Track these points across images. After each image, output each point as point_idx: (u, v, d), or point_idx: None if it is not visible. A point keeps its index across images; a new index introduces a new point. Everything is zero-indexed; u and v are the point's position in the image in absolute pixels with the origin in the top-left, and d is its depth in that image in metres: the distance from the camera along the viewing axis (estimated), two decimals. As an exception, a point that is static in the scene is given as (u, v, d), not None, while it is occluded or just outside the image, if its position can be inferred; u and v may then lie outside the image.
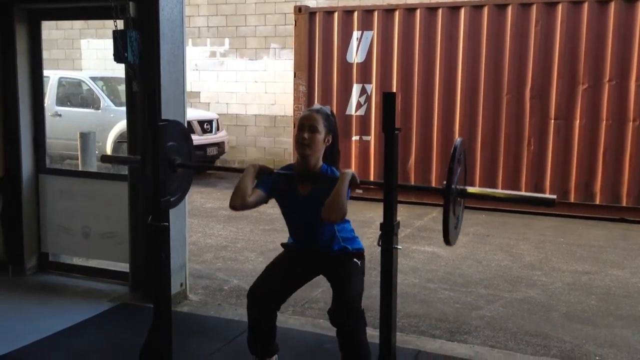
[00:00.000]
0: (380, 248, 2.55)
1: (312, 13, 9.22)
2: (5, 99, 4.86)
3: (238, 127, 12.92)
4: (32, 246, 4.99)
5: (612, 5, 7.77)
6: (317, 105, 3.13)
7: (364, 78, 9.04)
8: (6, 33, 4.77)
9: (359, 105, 9.09)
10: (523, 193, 2.63)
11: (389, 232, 2.51)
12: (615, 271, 5.83)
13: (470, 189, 2.64)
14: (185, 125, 4.54)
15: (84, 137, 6.72)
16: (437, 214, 7.92)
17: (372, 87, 9.01)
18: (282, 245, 3.27)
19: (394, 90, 8.69)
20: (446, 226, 2.43)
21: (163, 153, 2.99)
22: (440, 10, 8.58)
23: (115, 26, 4.20)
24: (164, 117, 3.11)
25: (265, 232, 6.78)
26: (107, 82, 11.42)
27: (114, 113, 10.47)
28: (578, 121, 8.10)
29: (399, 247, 2.57)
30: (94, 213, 4.76)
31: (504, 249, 6.52)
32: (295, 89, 9.40)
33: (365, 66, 9.02)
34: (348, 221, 3.05)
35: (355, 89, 9.09)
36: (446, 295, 5.04)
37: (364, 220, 7.59)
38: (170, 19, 4.25)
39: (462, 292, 5.10)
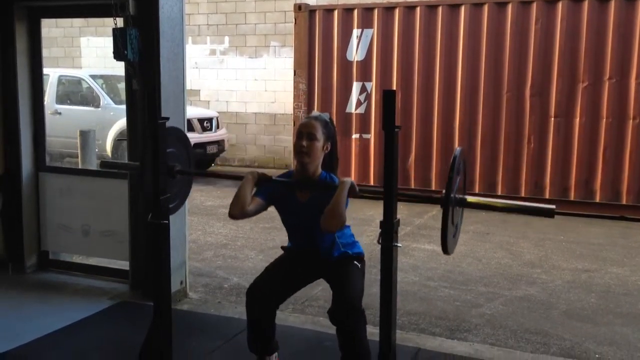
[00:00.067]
0: (380, 246, 2.55)
1: (312, 11, 9.21)
2: (5, 97, 4.85)
3: (238, 125, 12.91)
4: (32, 244, 5.00)
5: (612, 3, 7.76)
6: (315, 112, 3.12)
7: (364, 76, 9.04)
8: (6, 31, 4.76)
9: (359, 103, 9.09)
10: (522, 203, 2.60)
11: (389, 230, 2.51)
12: (615, 269, 5.83)
13: (470, 199, 2.63)
14: (185, 123, 4.55)
15: (84, 135, 6.73)
16: (437, 212, 7.91)
17: (372, 85, 9.00)
18: (282, 248, 3.28)
19: (394, 88, 8.69)
20: (444, 235, 2.43)
21: (163, 160, 2.98)
22: (440, 8, 8.57)
23: (115, 24, 4.20)
24: (163, 115, 3.10)
25: (265, 230, 6.78)
26: (107, 80, 11.42)
27: (113, 111, 10.47)
28: (578, 119, 8.10)
29: (399, 245, 2.56)
30: (94, 211, 4.76)
31: (504, 247, 6.52)
32: (295, 87, 9.40)
33: (365, 64, 9.01)
34: (348, 226, 3.05)
35: (355, 87, 9.09)
36: (446, 293, 5.04)
37: (364, 219, 7.59)
38: (170, 17, 4.24)
39: (462, 290, 5.10)
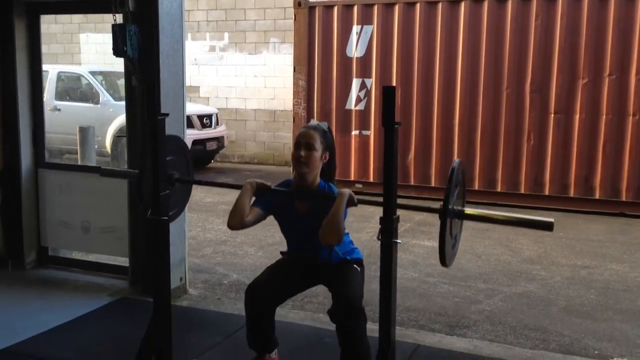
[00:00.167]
0: (379, 242, 2.55)
1: (311, 7, 9.20)
2: (5, 94, 4.85)
3: (237, 122, 12.90)
4: (31, 241, 5.00)
5: (613, -1, 7.77)
6: (314, 121, 3.11)
7: (364, 72, 9.03)
8: (5, 27, 4.76)
9: (358, 100, 9.08)
10: (522, 216, 2.58)
11: (388, 226, 2.51)
12: (614, 265, 5.83)
13: (468, 211, 2.61)
14: (185, 119, 4.55)
15: (83, 131, 6.71)
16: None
17: (371, 82, 9.00)
18: (282, 253, 3.28)
19: (394, 84, 8.68)
20: (442, 247, 2.41)
21: (162, 163, 2.98)
22: (440, 4, 8.56)
23: (115, 20, 4.19)
24: (163, 111, 3.09)
25: (264, 227, 6.74)
26: (107, 77, 11.40)
27: (113, 107, 10.46)
28: (578, 115, 8.10)
29: (398, 241, 2.56)
30: (93, 207, 4.76)
31: (503, 244, 6.52)
32: (295, 84, 9.39)
33: (365, 60, 9.00)
34: (346, 233, 3.05)
35: (355, 83, 9.08)
36: (445, 289, 5.05)
37: (363, 215, 7.59)
38: (169, 13, 4.24)
39: (462, 287, 5.11)
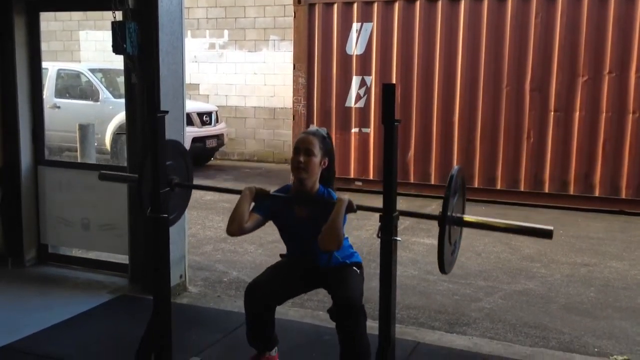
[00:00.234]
0: (379, 240, 2.55)
1: (311, 5, 9.18)
2: (4, 91, 4.85)
3: (237, 119, 12.90)
4: (31, 238, 5.00)
5: (613, -3, 7.77)
6: (313, 127, 3.11)
7: (364, 70, 9.02)
8: (5, 25, 4.75)
9: (358, 98, 9.08)
10: (521, 223, 2.58)
11: (388, 223, 2.51)
12: (614, 263, 5.84)
13: (467, 218, 2.60)
14: (184, 117, 4.55)
15: (83, 129, 6.71)
16: (436, 206, 7.91)
17: (371, 79, 8.99)
18: (281, 255, 3.28)
19: (394, 82, 8.68)
20: (441, 254, 2.40)
21: (162, 167, 2.97)
22: (440, 2, 8.54)
23: (114, 17, 4.18)
24: (163, 108, 3.09)
25: (264, 225, 6.77)
26: (106, 74, 11.40)
27: (112, 105, 10.46)
28: (578, 113, 8.09)
29: (398, 239, 2.56)
30: (93, 205, 4.76)
31: (503, 241, 6.52)
32: (295, 81, 9.38)
33: (364, 58, 8.99)
34: (346, 238, 3.05)
35: (355, 81, 9.07)
36: (445, 287, 5.05)
37: (363, 213, 7.58)
38: (169, 10, 4.23)
39: (461, 284, 5.11)
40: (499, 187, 8.50)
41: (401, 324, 4.04)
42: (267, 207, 3.02)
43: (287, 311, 4.13)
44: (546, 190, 8.29)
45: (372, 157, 9.08)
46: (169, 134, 3.29)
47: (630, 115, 7.86)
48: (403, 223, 6.98)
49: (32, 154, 4.95)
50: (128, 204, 4.52)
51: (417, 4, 8.64)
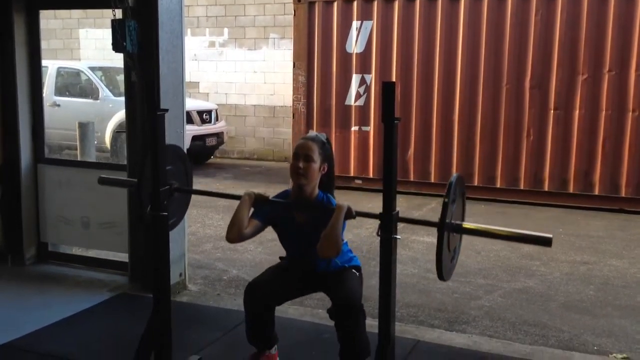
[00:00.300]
0: (379, 238, 2.55)
1: (311, 3, 9.18)
2: (4, 89, 4.84)
3: (237, 118, 12.90)
4: (31, 236, 5.00)
5: (613, -5, 7.76)
6: (312, 132, 3.10)
7: (364, 68, 9.02)
8: (4, 23, 4.75)
9: (358, 96, 9.07)
10: (521, 231, 2.57)
11: (388, 222, 2.51)
12: (613, 261, 5.84)
13: (466, 225, 2.59)
14: (184, 115, 4.54)
15: (83, 127, 6.72)
16: (436, 204, 7.92)
17: (371, 78, 8.99)
18: (280, 258, 3.28)
19: (394, 80, 8.67)
20: (439, 261, 2.38)
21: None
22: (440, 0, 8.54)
23: (114, 15, 4.18)
24: (162, 107, 3.08)
25: (264, 223, 6.78)
26: (106, 72, 11.40)
27: (112, 103, 10.45)
28: (578, 111, 8.09)
29: (398, 237, 2.56)
30: (93, 203, 4.76)
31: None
32: (295, 79, 9.38)
33: (364, 56, 8.99)
34: (345, 242, 3.05)
35: (355, 79, 9.07)
36: (445, 285, 5.05)
37: (364, 210, 7.59)
38: (169, 9, 4.23)
39: (461, 282, 5.11)
40: (498, 185, 8.50)
41: (401, 322, 4.04)
42: (267, 213, 3.01)
43: (287, 309, 4.13)
44: (546, 189, 8.29)
45: (372, 156, 9.08)
46: (169, 132, 3.29)
47: (630, 113, 7.86)
48: (403, 221, 6.99)
49: (32, 152, 4.95)
50: (128, 202, 4.52)
51: (417, 1, 8.64)
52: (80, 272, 4.86)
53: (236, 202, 2.95)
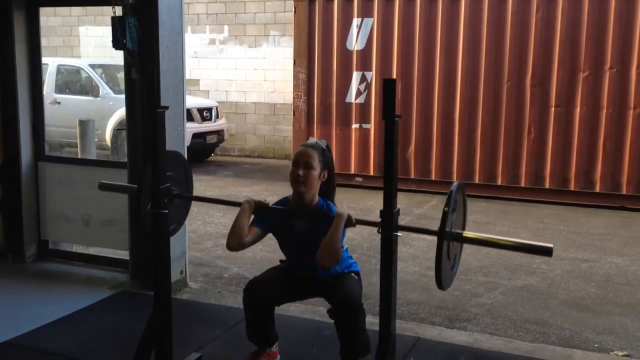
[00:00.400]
0: (380, 236, 2.54)
1: (311, 0, 9.16)
2: (4, 87, 4.84)
3: (237, 115, 12.89)
4: (32, 234, 5.00)
5: (614, -8, 7.75)
6: (312, 139, 3.09)
7: (364, 65, 9.01)
8: (4, 20, 4.74)
9: (358, 93, 9.07)
10: (522, 241, 2.56)
11: (388, 219, 2.51)
12: (614, 259, 5.84)
13: (467, 234, 2.57)
14: (185, 112, 4.54)
15: (83, 124, 6.72)
16: (436, 201, 7.93)
17: (372, 75, 8.98)
18: (281, 261, 3.27)
19: (394, 77, 8.66)
20: (439, 269, 2.37)
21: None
22: (440, -3, 8.54)
23: (114, 12, 4.18)
24: (163, 104, 3.08)
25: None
26: (106, 70, 11.39)
27: (113, 100, 10.45)
28: (578, 109, 8.08)
29: (399, 234, 2.56)
30: (93, 201, 4.76)
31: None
32: (295, 77, 9.37)
33: (365, 53, 8.98)
34: (345, 249, 3.04)
35: (355, 76, 9.06)
36: (446, 282, 5.04)
37: (363, 209, 7.59)
38: (169, 6, 4.22)
39: (462, 280, 5.11)
40: (499, 182, 8.49)
41: (401, 319, 4.05)
42: (267, 220, 3.01)
43: (288, 307, 4.11)
44: (547, 186, 8.29)
45: (373, 153, 9.07)
46: (169, 130, 3.28)
47: (631, 111, 7.85)
48: (403, 219, 6.98)
49: (32, 149, 4.95)
50: (128, 200, 4.52)
51: (418, -1, 8.63)
52: (80, 269, 4.86)
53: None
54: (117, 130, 10.05)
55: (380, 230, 2.53)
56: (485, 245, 2.63)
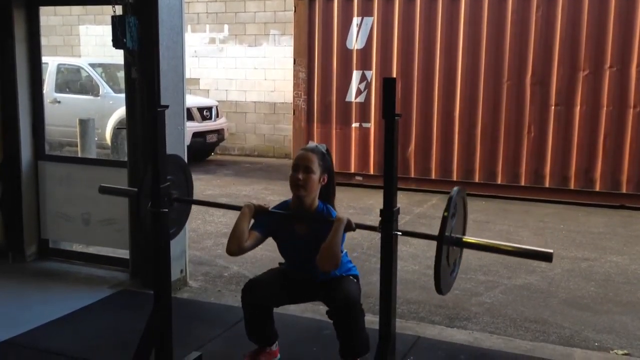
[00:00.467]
0: (380, 234, 2.54)
1: (311, -1, 9.17)
2: (4, 86, 4.84)
3: (237, 114, 12.89)
4: (32, 233, 5.00)
5: (614, -10, 7.75)
6: (312, 143, 3.09)
7: (364, 64, 9.01)
8: (4, 19, 4.74)
9: (358, 92, 9.07)
10: (522, 246, 2.56)
11: (389, 218, 2.51)
12: (614, 258, 5.84)
13: (466, 239, 2.57)
14: (185, 111, 4.54)
15: (83, 123, 6.71)
16: (436, 200, 7.93)
17: (372, 74, 8.98)
18: (280, 264, 3.27)
19: (394, 76, 8.66)
20: (437, 274, 2.37)
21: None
22: (440, -4, 8.54)
23: (114, 12, 4.17)
24: (163, 103, 3.08)
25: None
26: (106, 69, 11.39)
27: (113, 100, 10.45)
28: (578, 108, 8.08)
29: (399, 233, 2.56)
30: (93, 200, 4.75)
31: (503, 236, 6.53)
32: (295, 76, 9.37)
33: (365, 52, 8.98)
34: (344, 253, 3.04)
35: (355, 75, 9.06)
36: (446, 281, 5.05)
37: (364, 207, 7.59)
38: (169, 5, 4.22)
39: (462, 279, 5.11)
40: (499, 181, 8.49)
41: (401, 318, 4.05)
42: (267, 224, 3.01)
43: (288, 306, 4.12)
44: (547, 185, 8.29)
45: (373, 152, 9.07)
46: (169, 129, 3.29)
47: (631, 109, 7.85)
48: (403, 218, 6.99)
49: (32, 149, 4.95)
50: (129, 200, 4.52)
51: (418, -2, 8.63)
52: (81, 268, 4.86)
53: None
54: (117, 130, 10.03)
55: (380, 229, 2.54)
56: (485, 250, 2.63)
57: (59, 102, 10.70)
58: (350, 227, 2.75)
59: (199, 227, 6.69)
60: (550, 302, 4.66)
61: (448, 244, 2.44)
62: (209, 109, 11.39)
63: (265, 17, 12.47)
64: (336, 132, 9.14)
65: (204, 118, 11.15)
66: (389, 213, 2.50)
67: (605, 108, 7.96)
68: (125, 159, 4.65)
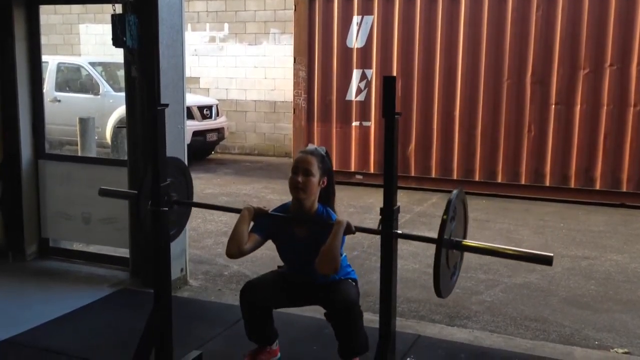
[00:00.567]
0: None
1: (311, -3, 9.16)
2: (4, 85, 4.84)
3: (238, 113, 12.88)
4: (32, 232, 5.00)
5: (614, -11, 7.74)
6: (311, 146, 3.08)
7: (364, 63, 9.01)
8: (4, 18, 4.74)
9: (359, 91, 9.06)
10: (522, 249, 2.56)
11: (389, 217, 2.51)
12: (614, 256, 5.84)
13: (466, 242, 2.56)
14: (185, 110, 4.54)
15: (83, 122, 6.71)
16: (437, 199, 7.93)
17: (372, 73, 8.97)
18: (279, 267, 3.27)
19: (394, 75, 8.65)
20: (437, 277, 2.36)
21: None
22: (440, -5, 8.53)
23: (114, 10, 4.17)
24: (163, 102, 3.08)
25: (265, 218, 6.77)
26: (106, 68, 11.38)
27: (113, 98, 10.45)
28: (579, 106, 8.08)
29: (399, 231, 2.56)
30: (93, 198, 4.72)
31: (503, 235, 6.53)
32: (295, 75, 9.37)
33: (365, 51, 8.97)
34: (344, 256, 3.04)
35: (355, 74, 9.05)
36: (446, 280, 5.04)
37: (364, 206, 7.59)
38: (169, 3, 4.22)
39: (462, 277, 5.07)
40: (499, 180, 8.49)
41: (402, 317, 4.05)
42: (266, 227, 3.01)
43: (288, 304, 4.13)
44: (547, 184, 8.29)
45: (373, 151, 9.07)
46: (169, 128, 3.29)
47: (632, 108, 7.85)
48: (404, 217, 6.98)
49: (32, 147, 4.95)
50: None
51: (418, -4, 8.62)
52: (81, 267, 4.86)
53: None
54: (117, 128, 10.04)
55: (380, 228, 2.54)
56: (485, 254, 2.63)
57: (59, 101, 10.70)
58: (350, 230, 2.75)
59: (199, 225, 6.69)
60: (551, 300, 4.66)
61: (447, 247, 2.43)
62: (209, 107, 11.39)
63: (266, 16, 12.46)
64: (336, 130, 9.14)
65: (204, 117, 11.15)
66: (389, 212, 2.50)
67: (605, 107, 7.95)
68: (126, 157, 4.65)
